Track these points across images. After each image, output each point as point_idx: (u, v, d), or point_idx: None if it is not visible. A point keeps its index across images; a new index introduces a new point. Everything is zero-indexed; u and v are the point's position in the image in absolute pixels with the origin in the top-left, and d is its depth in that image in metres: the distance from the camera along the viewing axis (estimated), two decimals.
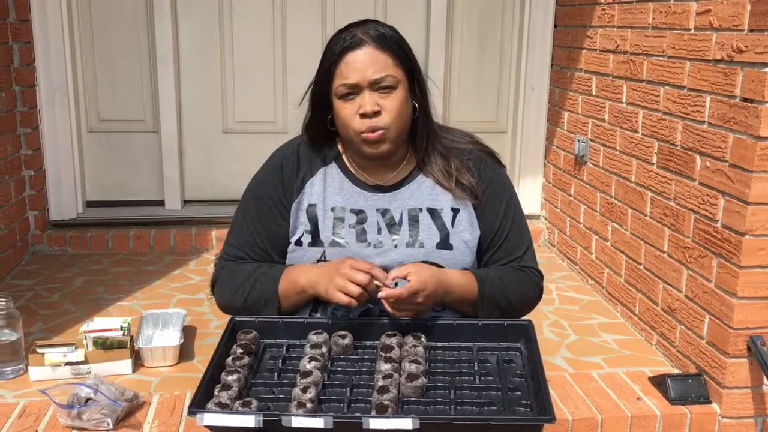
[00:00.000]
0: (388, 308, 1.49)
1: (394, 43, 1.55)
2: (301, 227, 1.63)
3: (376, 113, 1.52)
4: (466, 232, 1.62)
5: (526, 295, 1.66)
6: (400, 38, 1.58)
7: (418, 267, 1.52)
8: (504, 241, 1.65)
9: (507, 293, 1.60)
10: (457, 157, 1.66)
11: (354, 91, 1.53)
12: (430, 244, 1.60)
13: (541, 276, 1.70)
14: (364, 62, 1.52)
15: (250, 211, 1.67)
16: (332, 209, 1.63)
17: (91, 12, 3.42)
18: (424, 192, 1.64)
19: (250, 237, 1.66)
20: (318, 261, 1.60)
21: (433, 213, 1.63)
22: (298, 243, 1.62)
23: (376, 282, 1.48)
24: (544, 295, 2.67)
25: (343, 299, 1.47)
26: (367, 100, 1.52)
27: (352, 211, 1.63)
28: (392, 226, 1.62)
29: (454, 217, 1.62)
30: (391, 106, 1.53)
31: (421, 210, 1.63)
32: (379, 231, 1.61)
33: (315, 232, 1.61)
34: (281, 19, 3.53)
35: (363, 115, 1.53)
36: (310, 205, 1.63)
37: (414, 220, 1.62)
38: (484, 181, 1.65)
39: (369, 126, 1.53)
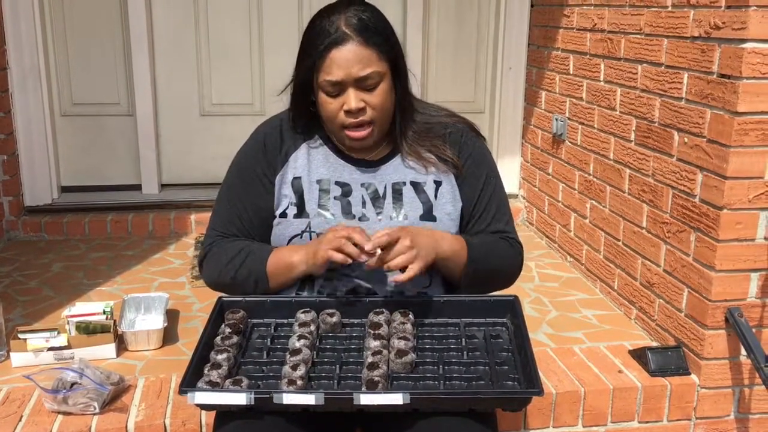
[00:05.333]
0: (386, 266, 1.46)
1: (378, 35, 1.53)
2: (285, 200, 1.65)
3: (361, 110, 1.53)
4: (449, 204, 1.65)
5: (508, 264, 1.68)
6: (383, 26, 1.56)
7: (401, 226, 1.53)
8: (485, 213, 1.67)
9: (492, 260, 1.62)
10: (437, 131, 1.67)
11: (338, 87, 1.53)
12: (414, 216, 1.62)
13: (521, 247, 1.72)
14: (349, 60, 1.50)
15: (234, 185, 1.69)
16: (318, 181, 1.64)
17: None
18: (408, 166, 1.66)
19: (235, 210, 1.67)
20: (303, 232, 1.61)
21: (417, 186, 1.65)
22: (283, 215, 1.64)
23: (356, 244, 1.46)
24: (524, 273, 2.69)
25: (336, 256, 1.46)
26: (352, 98, 1.52)
27: (337, 183, 1.64)
28: (376, 199, 1.63)
29: (437, 190, 1.64)
30: (375, 102, 1.54)
31: (404, 184, 1.64)
32: (364, 204, 1.63)
33: (300, 204, 1.63)
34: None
35: (348, 112, 1.53)
36: (295, 178, 1.64)
37: (398, 194, 1.64)
38: (465, 153, 1.67)
39: (353, 122, 1.54)
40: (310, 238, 1.61)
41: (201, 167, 3.61)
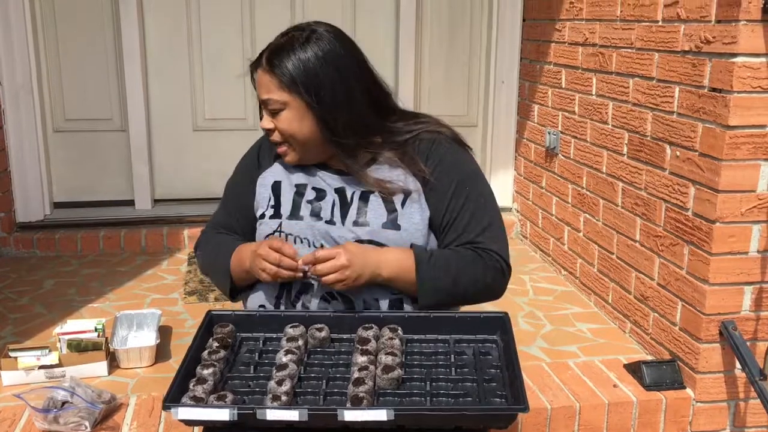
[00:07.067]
0: (315, 274, 1.53)
1: (283, 66, 1.56)
2: (264, 202, 1.70)
3: (269, 130, 1.63)
4: (416, 213, 1.62)
5: (478, 279, 1.58)
6: (302, 59, 1.55)
7: (345, 243, 1.57)
8: (454, 222, 1.62)
9: (453, 276, 1.56)
10: (408, 148, 1.66)
11: (262, 105, 1.64)
12: (376, 223, 1.61)
13: (503, 260, 1.61)
14: (259, 83, 1.62)
15: (230, 186, 1.81)
16: (296, 185, 1.69)
17: (55, 8, 3.36)
18: (380, 175, 1.65)
19: (227, 209, 1.79)
20: (274, 231, 1.65)
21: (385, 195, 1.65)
22: (262, 216, 1.70)
23: (287, 258, 1.53)
24: (518, 287, 2.66)
25: (262, 276, 1.56)
26: (265, 118, 1.63)
27: (314, 188, 1.68)
28: (344, 204, 1.65)
29: (405, 199, 1.63)
30: (280, 127, 1.61)
31: (372, 192, 1.64)
32: (333, 208, 1.65)
33: (276, 206, 1.68)
34: (249, 14, 3.50)
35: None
36: (275, 182, 1.71)
37: (364, 200, 1.64)
38: (433, 161, 1.64)
39: (270, 140, 1.65)
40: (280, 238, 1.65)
41: (194, 182, 3.60)
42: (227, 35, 3.51)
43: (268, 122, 1.62)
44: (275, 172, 1.72)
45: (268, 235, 1.65)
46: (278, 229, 1.64)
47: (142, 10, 3.41)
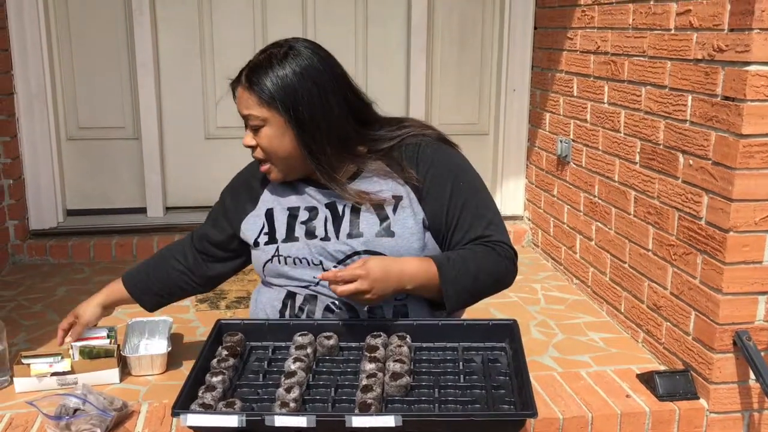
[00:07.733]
0: (335, 293, 1.53)
1: (261, 84, 1.57)
2: (258, 229, 1.71)
3: (252, 147, 1.64)
4: (409, 218, 1.63)
5: (495, 271, 1.62)
6: (279, 76, 1.56)
7: (365, 257, 1.56)
8: (460, 221, 1.63)
9: (474, 273, 1.58)
10: (394, 154, 1.66)
11: (244, 122, 1.65)
12: (370, 232, 1.62)
13: (512, 249, 1.65)
14: (239, 99, 1.64)
15: (216, 204, 1.91)
16: (288, 209, 1.69)
17: (69, 18, 3.39)
18: (369, 185, 1.65)
19: (205, 222, 1.90)
20: (273, 257, 1.66)
21: (376, 204, 1.65)
22: (256, 244, 1.70)
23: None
24: (530, 296, 2.67)
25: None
26: (246, 135, 1.64)
27: (306, 208, 1.69)
28: (336, 218, 1.65)
29: (396, 205, 1.63)
30: (261, 143, 1.62)
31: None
32: (326, 225, 1.65)
33: (271, 232, 1.68)
34: (262, 22, 3.52)
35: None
36: (268, 209, 1.71)
37: (356, 212, 1.64)
38: (424, 166, 1.65)
39: (254, 157, 1.67)
40: (279, 263, 1.65)
41: (206, 190, 3.61)
42: (240, 44, 3.52)
43: (249, 139, 1.63)
44: (266, 200, 1.73)
45: (266, 261, 1.67)
46: (276, 254, 1.65)
47: (156, 19, 3.43)
